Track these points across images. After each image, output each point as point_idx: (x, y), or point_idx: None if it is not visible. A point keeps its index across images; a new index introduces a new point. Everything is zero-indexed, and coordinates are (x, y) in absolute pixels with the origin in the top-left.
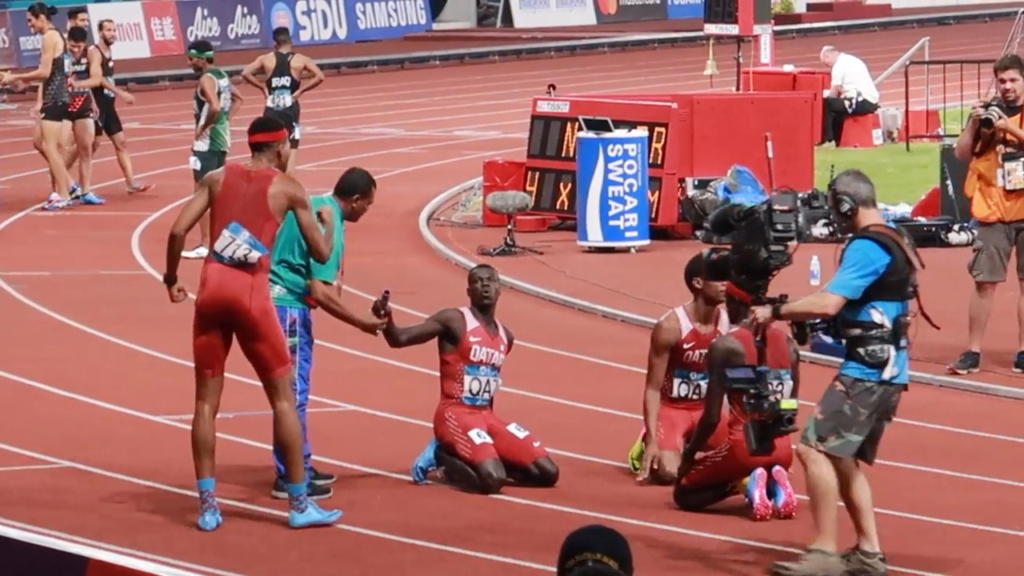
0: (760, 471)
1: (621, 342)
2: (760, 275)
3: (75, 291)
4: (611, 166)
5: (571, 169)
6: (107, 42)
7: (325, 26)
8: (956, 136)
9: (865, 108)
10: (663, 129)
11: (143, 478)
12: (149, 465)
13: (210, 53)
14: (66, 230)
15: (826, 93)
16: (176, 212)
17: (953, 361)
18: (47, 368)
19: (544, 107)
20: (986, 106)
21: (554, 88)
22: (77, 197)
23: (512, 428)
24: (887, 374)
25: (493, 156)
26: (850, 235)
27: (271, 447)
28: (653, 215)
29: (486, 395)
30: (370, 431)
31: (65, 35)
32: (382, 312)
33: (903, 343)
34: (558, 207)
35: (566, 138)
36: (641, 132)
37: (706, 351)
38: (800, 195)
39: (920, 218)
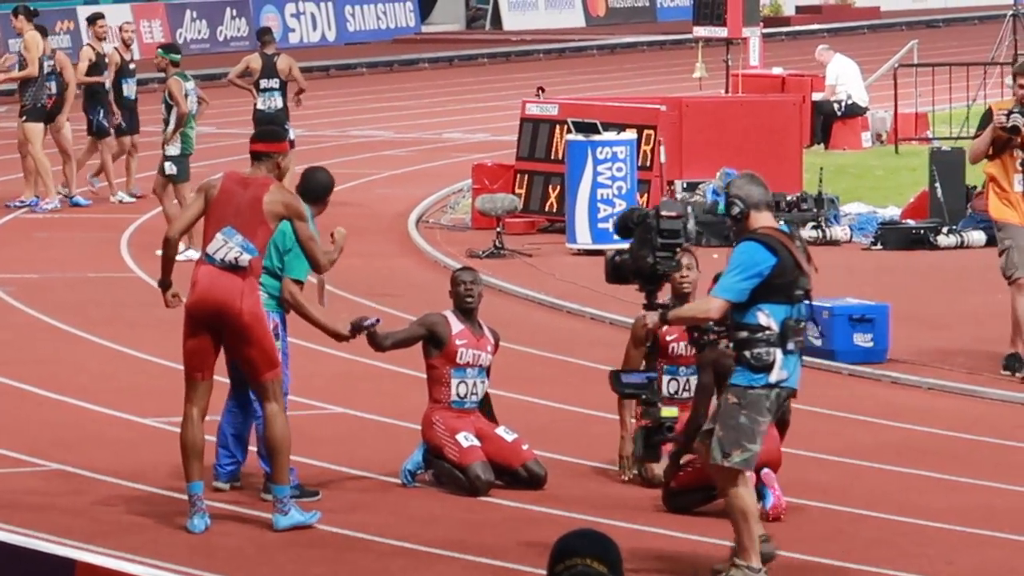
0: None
1: (610, 344)
2: (650, 280)
3: (64, 294)
4: (600, 168)
5: (560, 172)
6: (126, 44)
7: (314, 28)
8: (945, 139)
9: (854, 111)
10: (652, 132)
11: (131, 480)
12: (137, 467)
13: (177, 56)
14: (55, 232)
15: (816, 96)
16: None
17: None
18: (35, 370)
19: (533, 110)
20: (1008, 114)
21: (543, 91)
22: (66, 198)
23: (500, 431)
24: (774, 377)
25: (482, 159)
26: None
27: (257, 450)
28: None
29: (474, 397)
30: (358, 434)
31: (40, 38)
32: (358, 333)
33: (791, 346)
34: (547, 210)
35: (555, 141)
36: (630, 135)
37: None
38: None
39: (909, 221)
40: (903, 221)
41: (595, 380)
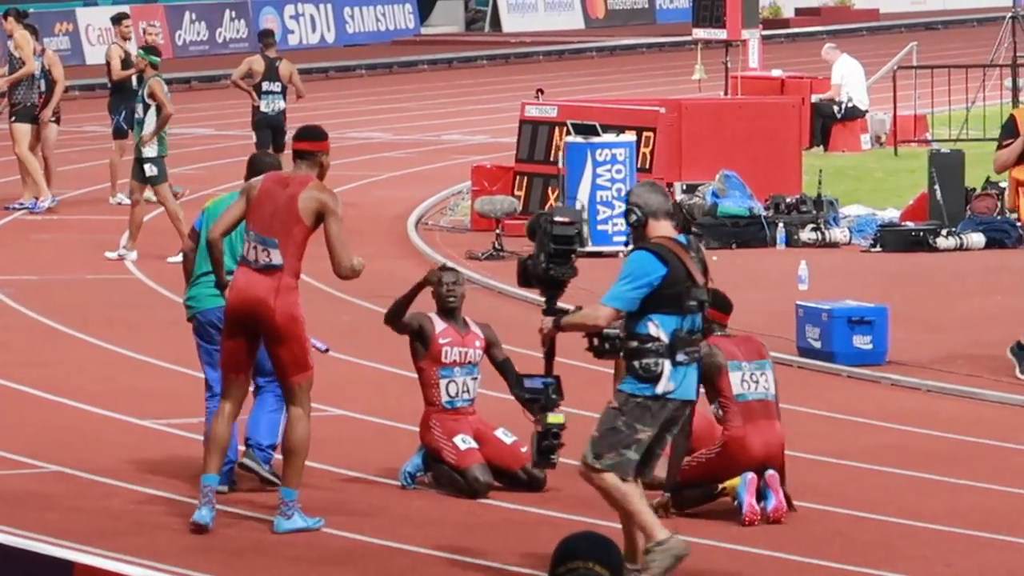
0: (751, 476)
1: None
2: (547, 285)
3: (63, 295)
4: (599, 171)
5: (559, 173)
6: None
7: (313, 30)
8: (944, 141)
9: (854, 114)
10: (651, 133)
11: (130, 482)
12: (136, 469)
13: (156, 59)
14: (54, 234)
15: (815, 97)
16: (164, 217)
17: None
18: (34, 372)
19: (532, 111)
20: None
21: (542, 92)
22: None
23: (499, 433)
24: (660, 388)
25: (481, 160)
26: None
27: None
28: None
29: (466, 396)
30: (358, 436)
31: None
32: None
33: (681, 358)
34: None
35: (554, 142)
36: (629, 137)
37: None
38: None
39: (908, 223)
40: (902, 223)
41: (593, 382)
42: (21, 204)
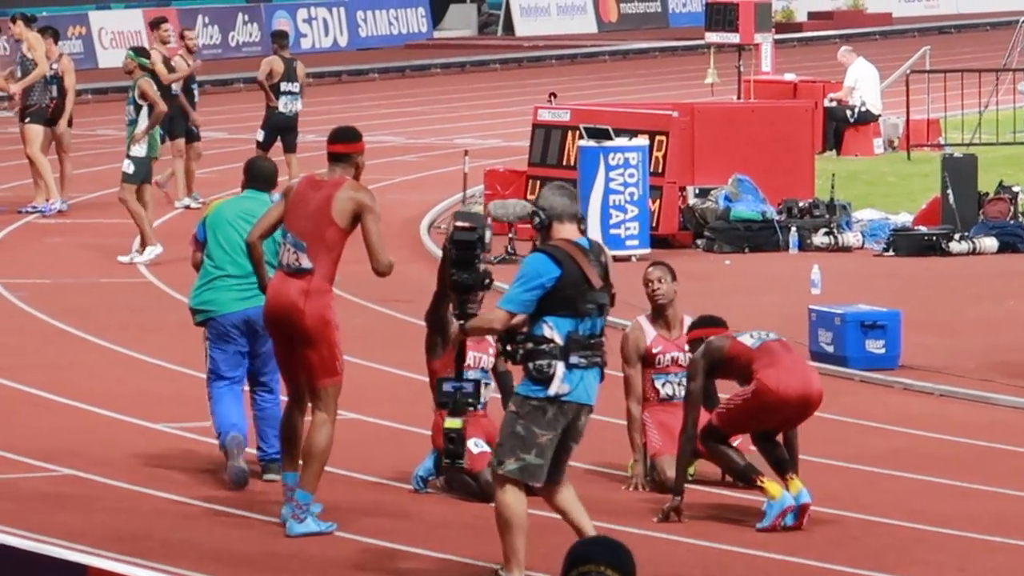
0: (789, 503)
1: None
2: (455, 290)
3: (76, 299)
4: (612, 175)
5: (572, 177)
6: (190, 51)
7: (326, 34)
8: (957, 145)
9: (867, 118)
10: (664, 138)
11: (143, 486)
12: (149, 473)
13: (146, 60)
14: (67, 237)
15: (826, 102)
16: (177, 219)
17: None
18: (47, 375)
19: (545, 115)
20: None
21: (555, 96)
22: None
23: None
24: (553, 390)
25: (494, 164)
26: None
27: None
28: (654, 224)
29: (478, 400)
30: (370, 440)
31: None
32: None
33: (574, 360)
34: None
35: (567, 146)
36: (642, 141)
37: (678, 355)
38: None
39: (921, 227)
40: (915, 227)
41: (607, 386)
42: (33, 207)
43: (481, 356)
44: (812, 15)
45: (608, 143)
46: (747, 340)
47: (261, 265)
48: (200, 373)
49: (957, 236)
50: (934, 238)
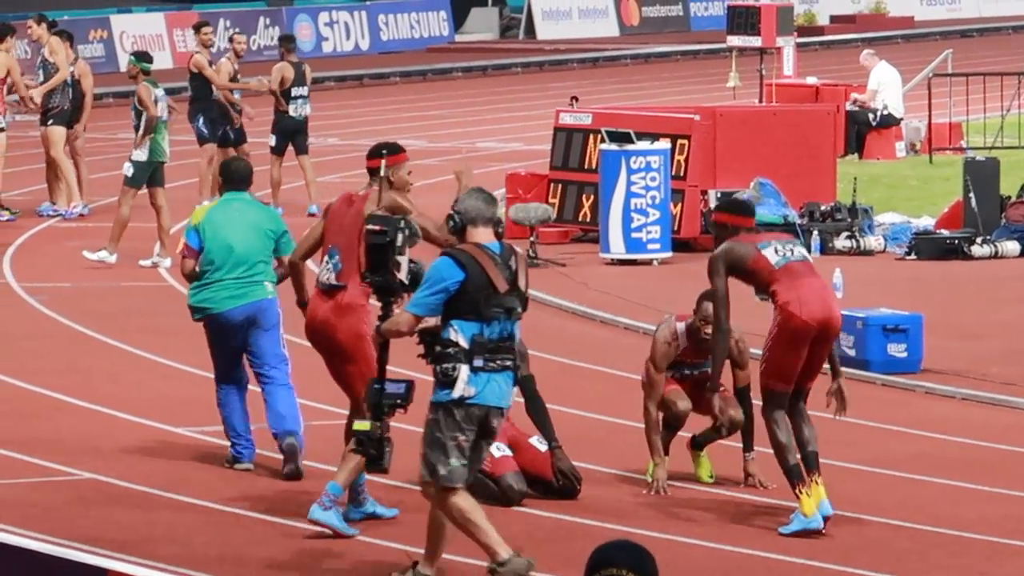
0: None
1: (642, 354)
2: (375, 293)
3: (96, 302)
4: (634, 178)
5: (594, 181)
6: (237, 55)
7: (347, 37)
8: (979, 149)
9: (889, 122)
10: (686, 141)
11: (163, 490)
12: (170, 477)
13: (148, 65)
14: (87, 241)
15: (849, 105)
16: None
17: None
18: (67, 379)
19: (567, 119)
20: None
21: (577, 100)
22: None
23: (533, 441)
24: (457, 392)
25: (515, 168)
26: None
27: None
28: (675, 227)
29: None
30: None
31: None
32: None
33: (479, 363)
34: (580, 219)
35: (588, 150)
36: (664, 144)
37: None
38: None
39: (943, 231)
40: (937, 231)
41: (628, 390)
42: (55, 210)
43: None
44: (834, 18)
45: (630, 147)
46: (771, 256)
47: (302, 283)
48: None
49: (979, 240)
50: (956, 242)
